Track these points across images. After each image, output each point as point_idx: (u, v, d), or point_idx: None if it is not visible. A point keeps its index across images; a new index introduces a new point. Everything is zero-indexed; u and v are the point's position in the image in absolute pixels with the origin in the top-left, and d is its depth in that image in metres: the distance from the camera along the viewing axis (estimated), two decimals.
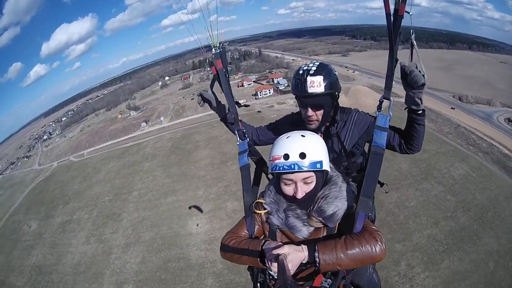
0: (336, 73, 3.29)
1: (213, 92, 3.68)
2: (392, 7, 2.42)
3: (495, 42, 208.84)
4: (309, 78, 3.16)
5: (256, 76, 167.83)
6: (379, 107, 2.75)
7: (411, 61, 2.64)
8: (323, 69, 3.21)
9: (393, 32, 2.49)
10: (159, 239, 53.49)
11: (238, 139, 3.24)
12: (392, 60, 2.56)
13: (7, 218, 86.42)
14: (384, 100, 2.74)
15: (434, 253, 38.55)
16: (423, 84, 2.64)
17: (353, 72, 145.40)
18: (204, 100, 3.70)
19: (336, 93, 3.34)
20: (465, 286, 34.05)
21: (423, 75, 2.61)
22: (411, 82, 2.63)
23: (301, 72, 3.26)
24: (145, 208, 64.05)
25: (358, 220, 2.41)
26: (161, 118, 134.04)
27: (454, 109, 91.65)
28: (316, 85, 3.14)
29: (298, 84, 3.24)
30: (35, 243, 66.62)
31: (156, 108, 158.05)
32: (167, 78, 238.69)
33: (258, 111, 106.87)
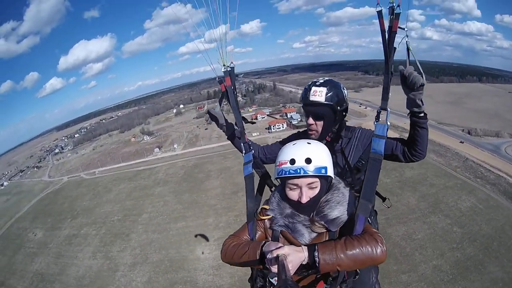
0: (345, 91, 3.54)
1: (221, 111, 3.80)
2: (387, 24, 2.65)
3: (504, 72, 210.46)
4: (313, 88, 3.38)
5: (270, 110, 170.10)
6: (377, 118, 2.92)
7: (409, 64, 2.77)
8: (329, 83, 3.43)
9: (388, 47, 2.69)
10: (167, 261, 54.24)
11: (244, 151, 3.39)
12: (388, 73, 2.80)
13: (12, 223, 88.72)
14: (382, 111, 2.93)
15: (439, 283, 39.57)
16: (422, 85, 2.75)
17: (365, 108, 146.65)
18: (212, 117, 3.80)
19: (338, 108, 3.45)
20: None
21: (422, 76, 2.71)
22: (410, 84, 2.74)
23: (309, 83, 3.52)
24: (155, 231, 65.11)
25: (358, 223, 2.50)
26: (175, 145, 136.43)
27: (463, 143, 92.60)
28: (318, 94, 3.34)
29: (304, 93, 3.48)
30: (40, 251, 67.83)
31: (170, 135, 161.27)
32: (181, 106, 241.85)
33: None
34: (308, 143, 2.57)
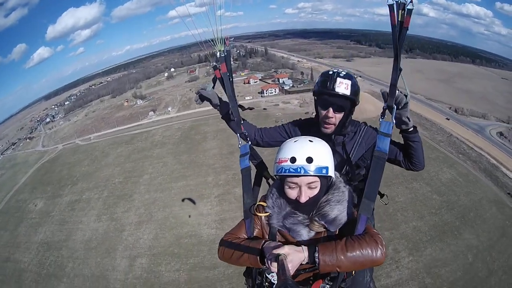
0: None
1: (213, 89, 3.76)
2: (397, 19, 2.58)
3: (499, 57, 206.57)
4: (339, 79, 3.26)
5: (262, 75, 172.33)
6: (383, 115, 2.88)
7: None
8: (351, 77, 3.36)
9: (398, 43, 2.62)
10: (172, 218, 57.45)
11: (240, 141, 3.37)
12: (397, 69, 2.71)
13: (11, 196, 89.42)
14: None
15: (418, 242, 45.01)
16: (407, 104, 2.90)
17: (356, 77, 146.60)
18: (202, 98, 3.74)
19: (357, 103, 3.45)
20: (445, 272, 40.14)
21: (405, 95, 2.85)
22: (395, 103, 2.83)
23: (330, 72, 3.39)
24: (157, 190, 67.81)
25: (360, 222, 2.53)
26: (169, 109, 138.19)
27: (449, 119, 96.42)
28: (344, 86, 3.25)
29: (327, 82, 3.31)
30: (42, 220, 69.68)
31: (163, 98, 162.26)
32: (172, 69, 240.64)
33: (264, 109, 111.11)
34: (310, 140, 2.58)
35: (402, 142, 3.53)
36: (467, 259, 42.11)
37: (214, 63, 3.38)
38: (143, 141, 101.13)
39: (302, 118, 4.01)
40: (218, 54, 3.30)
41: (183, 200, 62.31)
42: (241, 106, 3.69)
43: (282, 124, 4.08)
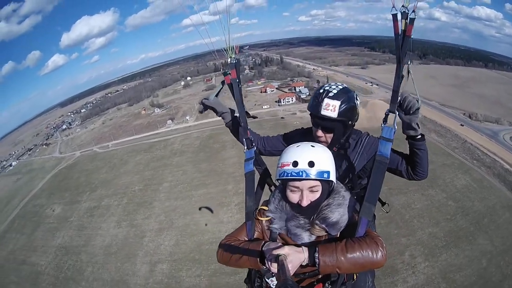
0: (358, 101, 3.45)
1: (216, 97, 3.77)
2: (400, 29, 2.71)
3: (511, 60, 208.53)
4: (325, 100, 3.22)
5: (278, 83, 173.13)
6: (385, 120, 2.90)
7: (405, 88, 2.83)
8: (343, 94, 3.27)
9: (400, 51, 2.71)
10: (192, 225, 58.42)
11: (245, 147, 3.35)
12: (399, 76, 2.79)
13: (27, 201, 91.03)
14: (390, 114, 2.91)
15: (434, 247, 45.93)
16: (418, 109, 2.86)
17: (371, 85, 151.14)
18: (206, 108, 3.77)
19: (350, 122, 3.40)
20: (459, 277, 41.01)
21: (417, 100, 2.83)
22: (406, 108, 2.86)
23: (321, 91, 3.34)
24: (177, 198, 68.81)
25: (360, 225, 2.54)
26: (187, 117, 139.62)
27: (463, 126, 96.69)
28: (331, 109, 3.20)
29: (315, 103, 3.31)
30: (60, 226, 70.89)
31: (180, 107, 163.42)
32: (189, 78, 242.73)
33: (282, 117, 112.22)
34: (312, 146, 2.65)
35: (405, 152, 3.53)
36: (481, 264, 42.89)
37: (225, 70, 3.43)
38: (162, 150, 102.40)
39: (304, 127, 4.06)
40: (228, 60, 3.36)
41: (200, 208, 62.99)
42: (247, 113, 3.59)
43: (284, 133, 4.15)
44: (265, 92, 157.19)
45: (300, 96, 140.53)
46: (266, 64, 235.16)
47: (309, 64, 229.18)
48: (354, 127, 3.61)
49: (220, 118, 3.82)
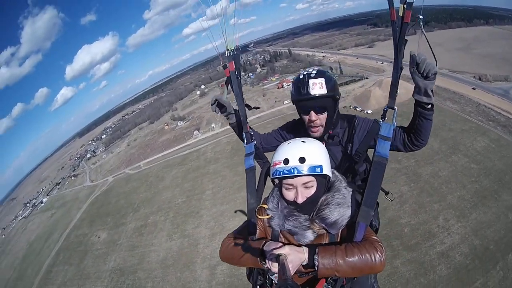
0: (336, 77, 3.62)
1: (227, 99, 3.80)
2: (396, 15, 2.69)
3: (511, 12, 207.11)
4: (311, 81, 3.27)
5: (293, 76, 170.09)
6: (383, 116, 2.98)
7: (420, 49, 2.73)
8: (323, 73, 3.36)
9: (398, 40, 2.69)
10: None
11: (245, 141, 3.49)
12: (398, 69, 2.79)
13: (68, 233, 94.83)
14: (389, 109, 2.98)
15: (464, 209, 49.93)
16: (435, 74, 2.75)
17: (382, 63, 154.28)
18: (220, 106, 3.79)
19: (338, 96, 3.45)
20: (490, 232, 44.84)
21: (436, 63, 2.71)
22: (423, 72, 2.74)
23: (301, 76, 3.41)
24: (222, 203, 72.11)
25: (358, 230, 2.57)
26: (212, 125, 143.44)
27: (475, 89, 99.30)
28: (319, 86, 3.25)
29: (300, 88, 3.35)
30: (110, 250, 74.24)
31: (202, 116, 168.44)
32: (203, 86, 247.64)
33: None
34: (303, 141, 2.71)
35: (398, 126, 3.42)
36: (508, 218, 46.55)
37: (224, 63, 3.50)
38: (195, 160, 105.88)
39: (296, 119, 4.07)
40: (226, 53, 3.46)
41: (235, 212, 65.69)
42: (248, 105, 3.74)
43: (278, 128, 4.25)
44: (282, 87, 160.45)
45: None
46: (276, 59, 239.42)
47: (318, 52, 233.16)
48: (360, 112, 5.15)
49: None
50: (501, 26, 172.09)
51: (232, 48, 3.43)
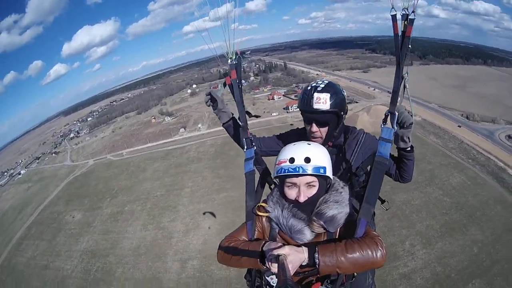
0: (344, 93, 3.50)
1: (222, 95, 3.88)
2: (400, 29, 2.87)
3: (511, 54, 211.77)
4: (315, 94, 3.33)
5: (285, 90, 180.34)
6: (384, 121, 3.01)
7: (400, 102, 3.03)
8: (331, 87, 3.41)
9: (400, 51, 2.84)
10: (217, 225, 63.64)
11: (245, 146, 3.43)
12: (399, 77, 2.92)
13: (43, 208, 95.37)
14: (390, 114, 3.01)
15: (431, 237, 53.37)
16: (411, 124, 2.99)
17: (374, 90, 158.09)
18: (212, 99, 3.85)
19: (342, 113, 3.48)
20: (453, 262, 48.07)
21: (411, 115, 2.97)
22: (400, 122, 3.01)
23: (309, 88, 3.46)
24: (200, 202, 73.95)
25: (359, 226, 2.59)
26: (199, 125, 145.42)
27: (460, 127, 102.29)
28: (322, 101, 3.30)
29: (305, 99, 3.40)
30: (83, 231, 75.25)
31: (190, 115, 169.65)
32: (194, 85, 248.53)
33: (291, 124, 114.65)
34: (308, 143, 2.77)
35: (395, 158, 3.69)
36: (473, 251, 49.54)
37: (225, 69, 3.59)
38: (178, 157, 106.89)
39: (299, 127, 4.14)
40: (229, 61, 3.47)
41: (204, 213, 67.82)
42: (248, 113, 3.75)
43: (280, 134, 4.31)
44: (273, 99, 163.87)
45: None
46: (271, 70, 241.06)
47: (313, 69, 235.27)
48: (355, 127, 3.99)
49: (217, 116, 4.11)
50: (499, 68, 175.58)
51: (233, 57, 3.49)
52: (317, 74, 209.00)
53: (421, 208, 59.58)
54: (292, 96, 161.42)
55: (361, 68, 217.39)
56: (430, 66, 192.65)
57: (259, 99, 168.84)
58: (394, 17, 2.84)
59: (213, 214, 67.09)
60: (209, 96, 3.86)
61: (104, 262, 62.45)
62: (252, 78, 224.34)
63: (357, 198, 3.03)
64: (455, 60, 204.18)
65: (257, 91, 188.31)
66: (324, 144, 3.52)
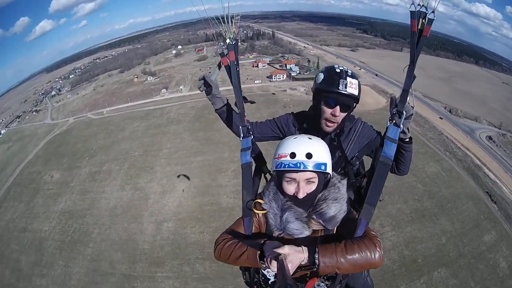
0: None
1: (216, 80, 3.63)
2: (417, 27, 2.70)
3: (505, 60, 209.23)
4: (349, 79, 3.31)
5: (270, 59, 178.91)
6: (391, 119, 2.88)
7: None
8: (356, 76, 3.44)
9: (415, 50, 2.72)
10: (193, 188, 64.20)
11: (241, 135, 3.24)
12: (411, 76, 2.77)
13: (22, 168, 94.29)
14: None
15: (401, 221, 54.67)
16: (411, 115, 2.91)
17: (360, 69, 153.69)
18: (206, 84, 3.59)
19: (358, 102, 3.53)
20: (420, 247, 49.68)
21: (412, 107, 2.87)
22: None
23: (338, 70, 3.39)
24: (177, 163, 74.14)
25: (359, 227, 2.60)
26: (181, 87, 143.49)
27: (442, 118, 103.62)
28: (354, 87, 3.32)
29: (337, 81, 3.32)
30: (61, 191, 74.90)
31: (173, 76, 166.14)
32: (180, 47, 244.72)
33: (273, 93, 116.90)
34: (309, 138, 2.71)
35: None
36: (441, 240, 51.04)
37: (223, 50, 3.32)
38: (158, 118, 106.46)
39: (294, 112, 4.10)
40: (227, 41, 3.24)
41: (178, 176, 68.20)
42: (245, 98, 3.47)
43: (273, 119, 4.14)
44: (257, 67, 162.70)
45: (290, 73, 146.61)
46: (258, 38, 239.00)
47: (301, 41, 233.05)
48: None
49: (224, 89, 3.77)
50: (489, 70, 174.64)
51: (232, 37, 3.28)
52: (304, 47, 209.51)
53: (393, 190, 59.62)
54: (277, 66, 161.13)
55: (349, 46, 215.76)
56: (420, 56, 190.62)
57: (243, 65, 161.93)
58: (413, 13, 2.72)
59: (187, 177, 67.38)
60: (203, 80, 3.62)
61: (81, 223, 62.59)
62: (239, 44, 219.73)
63: (353, 188, 3.36)
64: (446, 54, 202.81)
65: (242, 56, 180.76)
66: (336, 129, 3.61)
